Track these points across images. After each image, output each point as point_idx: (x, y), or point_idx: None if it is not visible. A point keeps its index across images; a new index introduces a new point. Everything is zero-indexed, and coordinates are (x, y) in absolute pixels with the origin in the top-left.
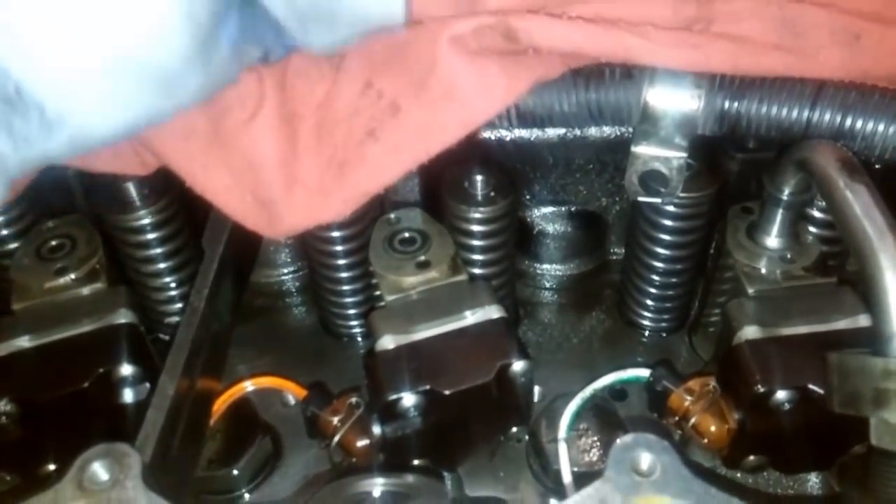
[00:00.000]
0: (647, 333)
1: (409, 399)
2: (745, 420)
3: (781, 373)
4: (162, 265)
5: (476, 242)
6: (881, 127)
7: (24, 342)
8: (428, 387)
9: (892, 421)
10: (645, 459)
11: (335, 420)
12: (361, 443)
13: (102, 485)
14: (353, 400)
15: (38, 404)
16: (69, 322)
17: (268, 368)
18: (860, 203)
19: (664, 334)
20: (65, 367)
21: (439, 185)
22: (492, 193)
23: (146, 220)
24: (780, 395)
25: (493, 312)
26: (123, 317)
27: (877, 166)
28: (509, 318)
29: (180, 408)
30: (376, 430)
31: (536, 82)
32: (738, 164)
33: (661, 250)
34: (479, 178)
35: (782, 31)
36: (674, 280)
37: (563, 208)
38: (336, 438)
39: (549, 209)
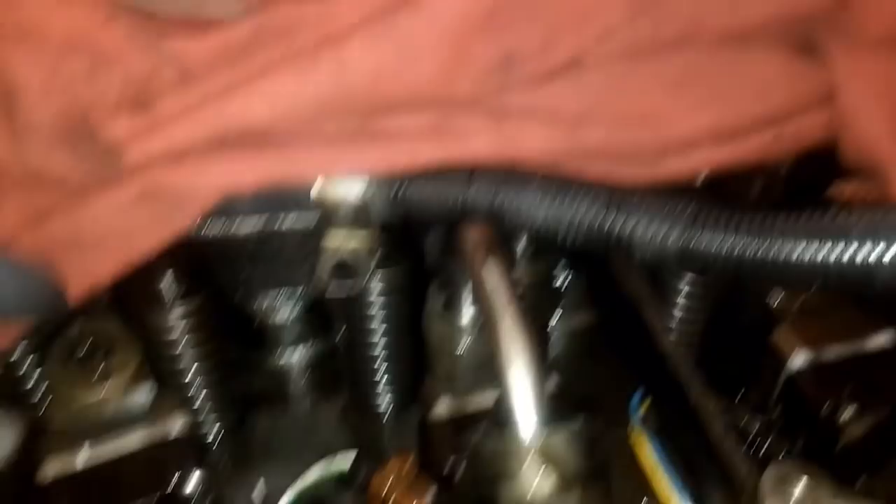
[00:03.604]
0: (380, 413)
1: None
2: (439, 494)
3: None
4: None
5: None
6: (524, 206)
7: None
8: None
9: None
10: None
11: None
12: None
13: None
14: None
15: None
16: None
17: None
18: (490, 280)
19: (396, 413)
20: None
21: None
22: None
23: None
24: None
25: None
26: None
27: None
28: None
29: None
30: None
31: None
32: (432, 242)
33: (365, 335)
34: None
35: (435, 124)
36: (388, 359)
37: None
38: None
39: (267, 299)
